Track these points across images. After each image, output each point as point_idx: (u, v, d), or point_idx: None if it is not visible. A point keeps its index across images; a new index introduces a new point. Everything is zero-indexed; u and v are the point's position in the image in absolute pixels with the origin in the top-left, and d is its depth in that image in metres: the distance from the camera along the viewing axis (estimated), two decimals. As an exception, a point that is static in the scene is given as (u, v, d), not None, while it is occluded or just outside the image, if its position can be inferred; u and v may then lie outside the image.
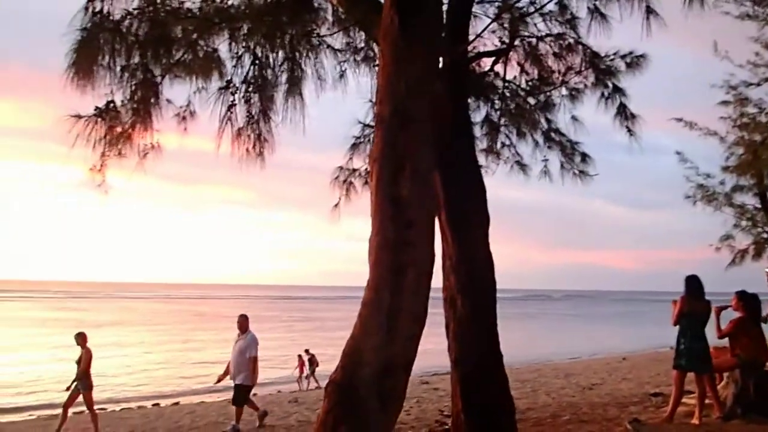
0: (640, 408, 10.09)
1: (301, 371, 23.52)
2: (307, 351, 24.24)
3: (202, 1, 7.43)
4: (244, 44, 7.72)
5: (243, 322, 11.30)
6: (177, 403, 18.69)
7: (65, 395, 11.61)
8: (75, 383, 11.29)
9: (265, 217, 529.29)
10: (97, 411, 12.17)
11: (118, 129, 7.20)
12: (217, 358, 33.08)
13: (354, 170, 9.26)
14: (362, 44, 8.03)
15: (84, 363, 11.15)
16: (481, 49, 8.40)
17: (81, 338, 11.38)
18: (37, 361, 30.38)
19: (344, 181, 9.25)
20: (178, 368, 29.78)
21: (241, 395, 11.07)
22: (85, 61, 6.80)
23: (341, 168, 9.24)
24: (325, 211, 9.37)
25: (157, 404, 18.52)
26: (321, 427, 5.10)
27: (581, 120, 9.06)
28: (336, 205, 9.28)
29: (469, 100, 8.36)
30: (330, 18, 7.51)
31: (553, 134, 9.14)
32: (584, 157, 9.15)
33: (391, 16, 5.44)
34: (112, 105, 6.99)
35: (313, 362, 23.64)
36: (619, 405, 10.68)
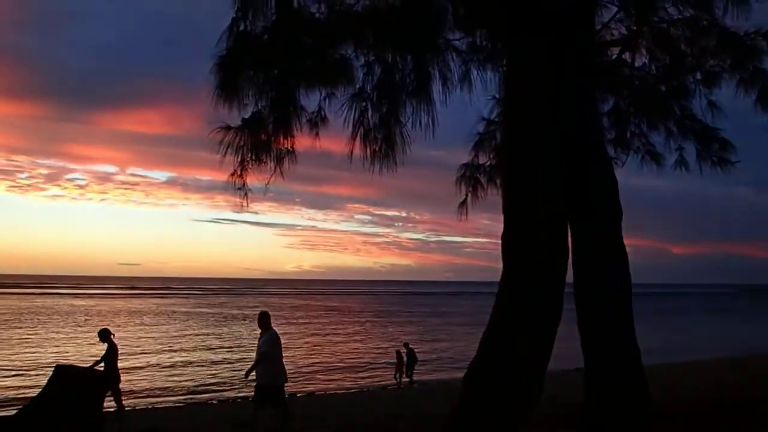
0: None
1: (400, 367, 23.14)
2: (406, 345, 23.68)
3: (328, 10, 7.85)
4: (371, 50, 8.06)
5: (261, 320, 10.54)
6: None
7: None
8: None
9: (388, 214, 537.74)
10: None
11: (260, 137, 7.85)
12: (370, 349, 34.49)
13: (480, 167, 9.36)
14: (485, 43, 8.12)
15: (110, 358, 11.20)
16: (608, 38, 8.23)
17: (105, 334, 11.44)
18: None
19: (470, 178, 9.38)
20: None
21: (257, 394, 10.34)
22: (229, 78, 7.50)
23: (467, 165, 9.37)
24: (449, 207, 9.54)
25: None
26: (458, 414, 5.28)
27: (720, 105, 8.62)
28: (463, 202, 9.43)
29: (597, 91, 8.23)
30: (454, 19, 7.65)
31: (687, 121, 8.75)
32: (723, 143, 8.68)
33: (507, 13, 5.52)
34: (256, 116, 7.61)
35: (412, 357, 22.95)
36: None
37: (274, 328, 10.52)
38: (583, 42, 7.10)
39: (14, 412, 11.17)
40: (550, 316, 5.22)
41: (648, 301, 70.91)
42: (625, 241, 7.07)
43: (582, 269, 7.05)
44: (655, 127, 9.04)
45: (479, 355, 5.34)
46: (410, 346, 23.43)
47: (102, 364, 11.18)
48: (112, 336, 11.42)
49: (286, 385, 10.50)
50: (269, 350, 10.08)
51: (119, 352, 11.54)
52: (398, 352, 23.24)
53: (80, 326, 45.09)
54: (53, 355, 29.57)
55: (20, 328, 42.49)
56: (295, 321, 56.10)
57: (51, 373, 10.76)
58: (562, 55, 5.94)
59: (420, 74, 7.32)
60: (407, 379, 22.52)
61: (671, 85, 8.72)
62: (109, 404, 11.06)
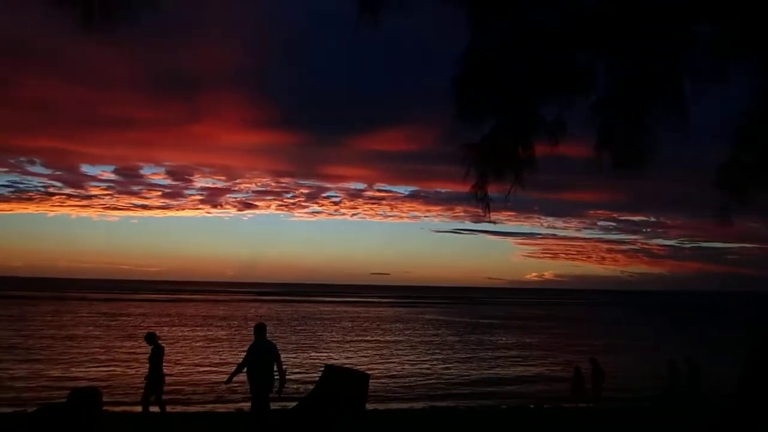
0: None
1: (586, 383, 20.71)
2: (592, 360, 21.44)
3: (562, 18, 7.74)
4: (610, 53, 7.77)
5: (257, 330, 10.83)
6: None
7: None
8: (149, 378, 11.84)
9: (635, 220, 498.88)
10: None
11: (501, 150, 8.05)
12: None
13: (744, 166, 8.43)
14: (741, 32, 7.29)
15: (156, 360, 11.67)
16: None
17: (151, 337, 11.94)
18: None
19: (732, 179, 8.48)
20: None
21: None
22: (469, 95, 7.84)
23: (727, 165, 8.50)
24: (707, 211, 8.75)
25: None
26: None
27: None
28: (725, 206, 8.55)
29: None
30: (701, 10, 7.03)
31: None
32: None
33: None
34: (496, 130, 7.85)
35: (599, 373, 20.65)
36: None
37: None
38: None
39: (294, 405, 12.74)
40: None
41: None
42: None
43: None
44: None
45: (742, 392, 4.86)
46: (597, 361, 21.51)
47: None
48: (157, 339, 12.16)
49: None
50: (255, 359, 10.50)
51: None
52: (577, 368, 21.47)
53: (350, 331, 49.81)
54: (327, 354, 33.06)
55: (308, 331, 48.18)
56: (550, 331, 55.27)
57: (322, 371, 12.09)
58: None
59: (668, 72, 6.85)
60: (592, 393, 20.68)
61: None
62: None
